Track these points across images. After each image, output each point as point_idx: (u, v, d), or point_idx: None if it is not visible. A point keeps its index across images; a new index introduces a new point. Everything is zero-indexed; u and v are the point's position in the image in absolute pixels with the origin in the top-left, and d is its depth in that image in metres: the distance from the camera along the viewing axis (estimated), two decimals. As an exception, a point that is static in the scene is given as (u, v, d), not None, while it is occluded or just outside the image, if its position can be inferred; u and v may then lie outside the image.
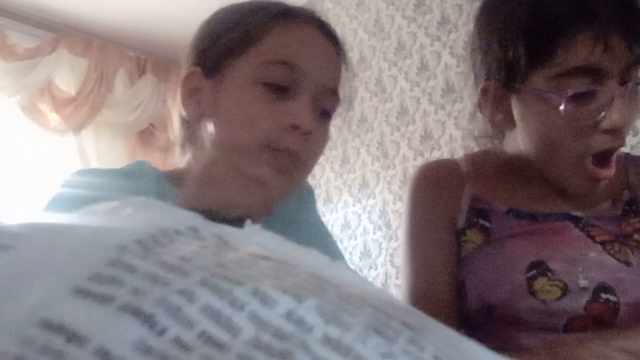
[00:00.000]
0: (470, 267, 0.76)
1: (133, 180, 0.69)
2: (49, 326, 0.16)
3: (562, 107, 0.65)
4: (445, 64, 2.55)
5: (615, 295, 0.68)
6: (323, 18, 0.70)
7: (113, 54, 3.59)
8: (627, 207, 0.78)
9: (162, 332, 0.17)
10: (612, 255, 0.71)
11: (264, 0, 0.69)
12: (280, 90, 0.63)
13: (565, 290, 0.69)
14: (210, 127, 0.65)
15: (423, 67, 2.60)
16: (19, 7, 3.20)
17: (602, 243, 0.73)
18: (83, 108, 3.39)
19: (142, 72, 3.75)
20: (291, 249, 0.25)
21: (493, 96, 0.74)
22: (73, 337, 0.16)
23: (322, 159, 0.73)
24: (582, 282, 0.69)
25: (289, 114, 0.63)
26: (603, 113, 0.65)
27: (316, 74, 0.65)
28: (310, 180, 0.78)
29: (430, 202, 0.80)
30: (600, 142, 0.67)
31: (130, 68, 3.70)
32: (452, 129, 2.48)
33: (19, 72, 3.19)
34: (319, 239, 0.75)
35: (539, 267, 0.71)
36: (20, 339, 0.15)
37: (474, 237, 0.77)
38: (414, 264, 0.79)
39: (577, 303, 0.68)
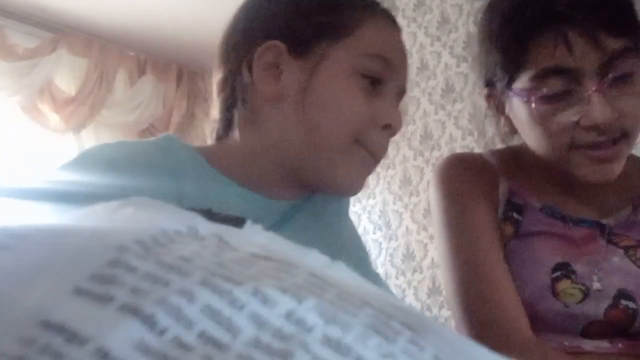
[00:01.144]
0: None
1: (164, 173, 0.61)
2: (49, 326, 0.16)
3: (533, 106, 0.66)
4: (445, 64, 2.55)
5: (634, 302, 0.69)
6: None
7: (113, 54, 3.59)
8: None
9: (162, 332, 0.17)
10: (634, 262, 0.72)
11: None
12: (375, 84, 0.63)
13: (586, 295, 0.70)
14: (293, 110, 0.62)
15: (423, 67, 2.61)
16: (19, 7, 3.20)
17: (625, 248, 0.73)
18: (83, 108, 3.39)
19: (142, 72, 3.75)
20: (291, 249, 0.25)
21: (494, 102, 0.76)
22: (73, 337, 0.16)
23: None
24: (596, 285, 0.70)
25: (382, 113, 0.63)
26: (579, 112, 0.64)
27: (401, 74, 0.66)
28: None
29: (473, 191, 0.77)
30: (584, 137, 0.66)
31: (130, 68, 3.70)
32: (452, 129, 2.48)
33: (19, 72, 3.19)
34: (357, 251, 0.76)
35: (564, 269, 0.71)
36: (20, 339, 0.15)
37: (506, 230, 0.76)
38: (471, 260, 0.73)
39: (598, 308, 0.69)
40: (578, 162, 0.68)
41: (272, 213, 0.64)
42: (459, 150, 2.36)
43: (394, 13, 0.70)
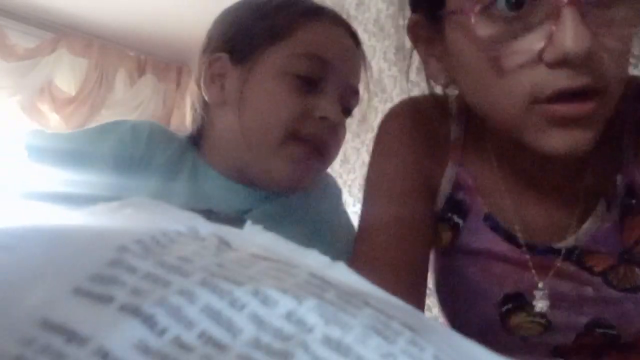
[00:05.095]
0: (437, 281, 0.62)
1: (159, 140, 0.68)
2: (49, 326, 0.16)
3: (473, 23, 0.43)
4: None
5: (613, 329, 0.55)
6: (347, 20, 0.72)
7: (113, 54, 3.59)
8: (625, 202, 0.54)
9: (162, 333, 0.17)
10: (615, 286, 0.54)
11: None
12: (309, 84, 0.64)
13: (547, 328, 0.56)
14: (233, 114, 0.66)
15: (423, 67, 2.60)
16: (19, 7, 3.20)
17: (603, 274, 0.55)
18: (83, 108, 3.40)
19: (142, 72, 3.76)
20: (291, 250, 0.25)
21: (424, 35, 0.54)
22: (73, 337, 0.16)
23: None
24: (560, 318, 0.56)
25: (317, 106, 0.64)
26: (544, 37, 0.41)
27: (344, 72, 0.67)
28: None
29: (411, 154, 0.59)
30: (548, 80, 0.42)
31: (130, 68, 3.70)
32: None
33: (19, 72, 3.20)
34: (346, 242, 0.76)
35: (516, 301, 0.56)
36: (21, 339, 0.15)
37: (442, 234, 0.60)
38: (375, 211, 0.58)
39: (565, 338, 0.56)
40: (538, 124, 0.44)
41: (250, 202, 0.67)
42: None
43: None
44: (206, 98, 0.69)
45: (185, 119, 0.75)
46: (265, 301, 0.19)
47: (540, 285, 0.55)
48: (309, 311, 0.19)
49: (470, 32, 0.44)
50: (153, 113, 3.70)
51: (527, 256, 0.56)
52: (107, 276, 0.18)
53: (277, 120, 0.63)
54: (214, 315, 0.18)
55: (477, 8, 0.42)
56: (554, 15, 0.40)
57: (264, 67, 0.65)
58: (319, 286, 0.20)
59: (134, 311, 0.17)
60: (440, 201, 0.59)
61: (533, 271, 0.55)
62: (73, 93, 3.39)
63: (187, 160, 0.69)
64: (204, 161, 0.70)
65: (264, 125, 0.64)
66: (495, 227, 0.57)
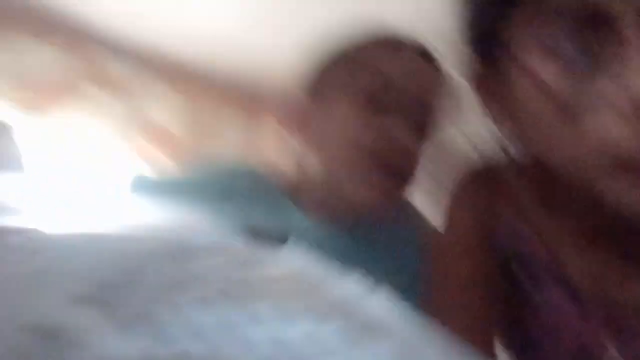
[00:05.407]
0: None
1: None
2: (48, 332, 0.16)
3: (544, 76, 0.40)
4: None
5: None
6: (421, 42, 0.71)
7: (213, 92, 3.75)
8: None
9: (170, 343, 0.16)
10: None
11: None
12: (375, 103, 0.64)
13: None
14: (313, 149, 0.67)
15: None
16: (118, 39, 3.42)
17: None
18: (184, 145, 3.54)
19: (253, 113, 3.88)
20: (329, 272, 0.24)
21: (482, 79, 0.50)
22: (72, 344, 0.15)
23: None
24: None
25: (387, 128, 0.63)
26: (616, 84, 0.37)
27: (409, 89, 0.65)
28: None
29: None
30: (627, 134, 0.38)
31: (237, 109, 3.84)
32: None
33: (117, 102, 3.40)
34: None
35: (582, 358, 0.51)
36: (18, 345, 0.15)
37: None
38: None
39: None
40: (612, 183, 0.39)
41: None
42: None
43: None
44: (294, 146, 0.70)
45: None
46: (285, 319, 0.18)
47: (610, 347, 0.48)
48: (330, 333, 0.17)
49: (535, 76, 0.41)
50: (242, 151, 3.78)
51: (592, 312, 0.50)
52: (117, 283, 0.17)
53: (352, 148, 0.63)
54: (229, 329, 0.17)
55: (541, 50, 0.40)
56: (627, 56, 0.37)
57: (331, 93, 0.66)
58: (344, 311, 0.19)
59: (144, 319, 0.16)
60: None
61: (600, 330, 0.49)
62: (173, 129, 3.54)
63: (280, 211, 0.69)
64: (298, 210, 0.69)
65: (340, 155, 0.64)
66: (558, 280, 0.51)
